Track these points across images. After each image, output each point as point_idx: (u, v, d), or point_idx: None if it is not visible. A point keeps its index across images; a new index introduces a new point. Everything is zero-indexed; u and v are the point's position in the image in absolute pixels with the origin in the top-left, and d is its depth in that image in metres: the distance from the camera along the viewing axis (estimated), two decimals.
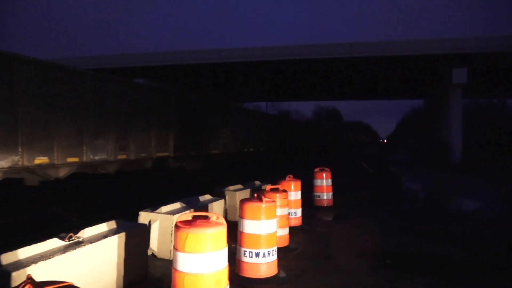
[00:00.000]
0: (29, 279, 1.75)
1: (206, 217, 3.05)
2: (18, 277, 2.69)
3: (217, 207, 5.94)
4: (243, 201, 4.15)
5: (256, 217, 4.03)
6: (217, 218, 3.01)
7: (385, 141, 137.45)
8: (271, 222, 4.10)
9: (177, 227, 2.92)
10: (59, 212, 7.63)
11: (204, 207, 5.57)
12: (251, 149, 21.43)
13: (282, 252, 4.98)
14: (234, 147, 19.09)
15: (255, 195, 4.26)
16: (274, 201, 4.23)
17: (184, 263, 2.85)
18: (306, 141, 36.22)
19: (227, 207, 6.81)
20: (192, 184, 12.21)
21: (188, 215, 3.05)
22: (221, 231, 2.94)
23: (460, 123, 22.75)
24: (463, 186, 13.37)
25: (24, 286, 1.73)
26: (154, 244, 4.74)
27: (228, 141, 18.34)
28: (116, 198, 9.66)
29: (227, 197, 6.88)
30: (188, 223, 2.95)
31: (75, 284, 1.96)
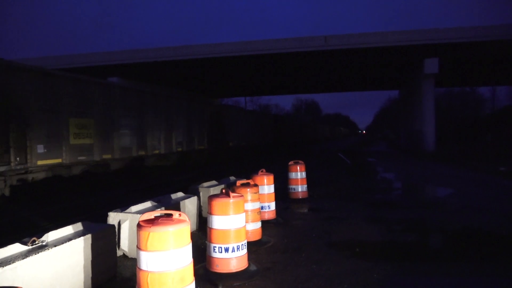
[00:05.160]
0: None
1: (169, 215, 3.06)
2: None
3: (189, 204, 5.93)
4: (211, 197, 4.17)
5: (224, 213, 4.06)
6: (180, 215, 3.02)
7: (364, 132, 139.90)
8: (239, 216, 4.13)
9: (139, 226, 2.92)
10: (29, 217, 7.46)
11: (176, 204, 5.56)
12: (142, 153, 13.27)
13: (254, 246, 5.05)
14: (99, 155, 11.18)
15: (223, 190, 4.28)
16: (242, 195, 4.26)
17: (148, 262, 2.86)
18: (265, 136, 29.15)
19: (201, 204, 6.81)
20: (170, 183, 12.13)
21: (150, 214, 3.05)
22: (184, 229, 2.96)
23: (432, 112, 23.34)
24: (435, 175, 13.77)
25: None
26: (125, 244, 4.71)
27: (87, 143, 10.77)
28: (88, 200, 9.49)
29: (201, 193, 6.87)
30: (150, 222, 2.95)
31: None
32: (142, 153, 13.23)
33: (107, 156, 11.52)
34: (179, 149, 15.74)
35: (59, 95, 9.97)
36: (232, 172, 9.02)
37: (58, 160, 9.81)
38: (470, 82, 41.33)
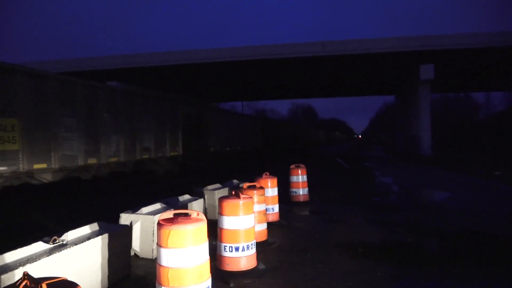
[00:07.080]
0: (26, 276, 1.89)
1: (187, 214, 3.23)
2: (7, 279, 2.80)
3: (196, 206, 6.10)
4: (221, 199, 4.35)
5: (235, 213, 4.24)
6: (198, 214, 3.20)
7: (360, 136, 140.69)
8: (249, 217, 4.32)
9: (159, 224, 3.09)
10: (38, 219, 7.58)
11: (184, 206, 5.73)
12: (93, 161, 10.60)
13: (261, 246, 5.21)
14: None
15: (233, 192, 4.47)
16: (251, 197, 4.45)
17: (168, 258, 3.03)
18: (253, 140, 26.12)
19: (206, 206, 6.97)
20: (171, 186, 12.26)
21: (169, 213, 3.23)
22: (202, 227, 3.14)
23: (428, 118, 23.68)
24: (432, 179, 14.02)
25: (22, 282, 1.87)
26: (136, 245, 4.87)
27: (9, 149, 8.15)
28: (92, 204, 9.61)
29: (206, 196, 7.04)
30: (170, 220, 3.13)
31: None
32: (92, 161, 10.59)
33: (40, 166, 8.93)
34: (146, 156, 13.08)
35: None
36: (209, 182, 7.78)
37: None
38: (465, 88, 41.85)
